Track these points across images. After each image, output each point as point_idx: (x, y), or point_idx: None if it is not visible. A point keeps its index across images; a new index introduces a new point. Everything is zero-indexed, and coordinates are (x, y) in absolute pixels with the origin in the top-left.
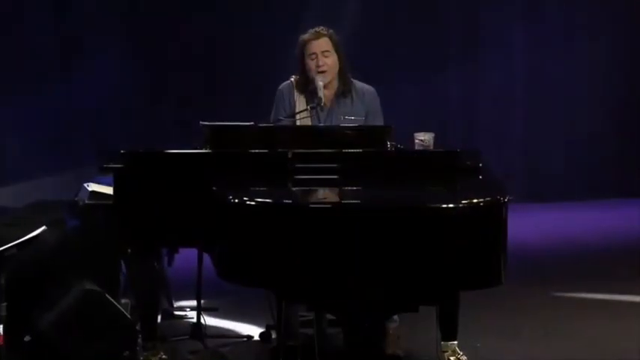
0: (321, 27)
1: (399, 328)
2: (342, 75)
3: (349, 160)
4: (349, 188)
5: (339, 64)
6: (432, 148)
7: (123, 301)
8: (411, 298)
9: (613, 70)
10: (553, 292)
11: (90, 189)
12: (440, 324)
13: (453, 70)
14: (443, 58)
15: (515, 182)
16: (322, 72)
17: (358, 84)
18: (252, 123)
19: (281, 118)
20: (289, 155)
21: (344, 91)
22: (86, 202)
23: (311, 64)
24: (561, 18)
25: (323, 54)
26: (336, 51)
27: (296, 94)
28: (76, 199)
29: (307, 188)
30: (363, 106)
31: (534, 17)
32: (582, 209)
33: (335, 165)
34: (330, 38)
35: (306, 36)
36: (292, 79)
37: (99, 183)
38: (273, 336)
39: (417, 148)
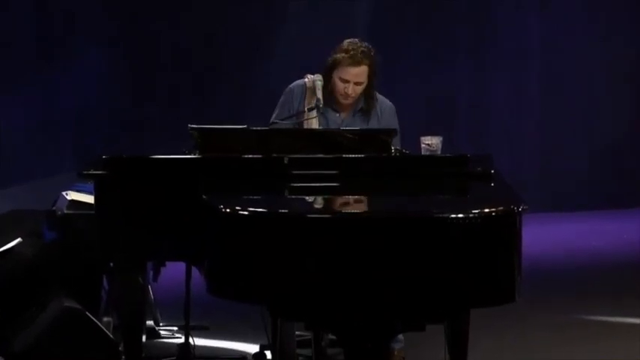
0: (363, 45)
1: (405, 349)
2: (369, 94)
3: (350, 165)
4: (350, 196)
5: (369, 84)
6: (439, 152)
7: (104, 319)
8: (417, 316)
9: (637, 69)
10: (570, 310)
11: (69, 197)
12: (448, 344)
13: (460, 71)
14: (451, 58)
15: (529, 189)
16: (347, 98)
17: (379, 98)
18: (245, 126)
19: (276, 121)
20: (285, 161)
21: (363, 109)
22: (65, 211)
23: (339, 85)
24: (577, 13)
25: (356, 83)
26: (369, 76)
27: (309, 95)
28: (53, 208)
29: (305, 197)
30: (378, 125)
31: (548, 13)
32: (604, 219)
33: (335, 171)
34: (369, 67)
35: (346, 58)
36: (306, 80)
37: (78, 191)
38: (268, 357)
39: (423, 152)
